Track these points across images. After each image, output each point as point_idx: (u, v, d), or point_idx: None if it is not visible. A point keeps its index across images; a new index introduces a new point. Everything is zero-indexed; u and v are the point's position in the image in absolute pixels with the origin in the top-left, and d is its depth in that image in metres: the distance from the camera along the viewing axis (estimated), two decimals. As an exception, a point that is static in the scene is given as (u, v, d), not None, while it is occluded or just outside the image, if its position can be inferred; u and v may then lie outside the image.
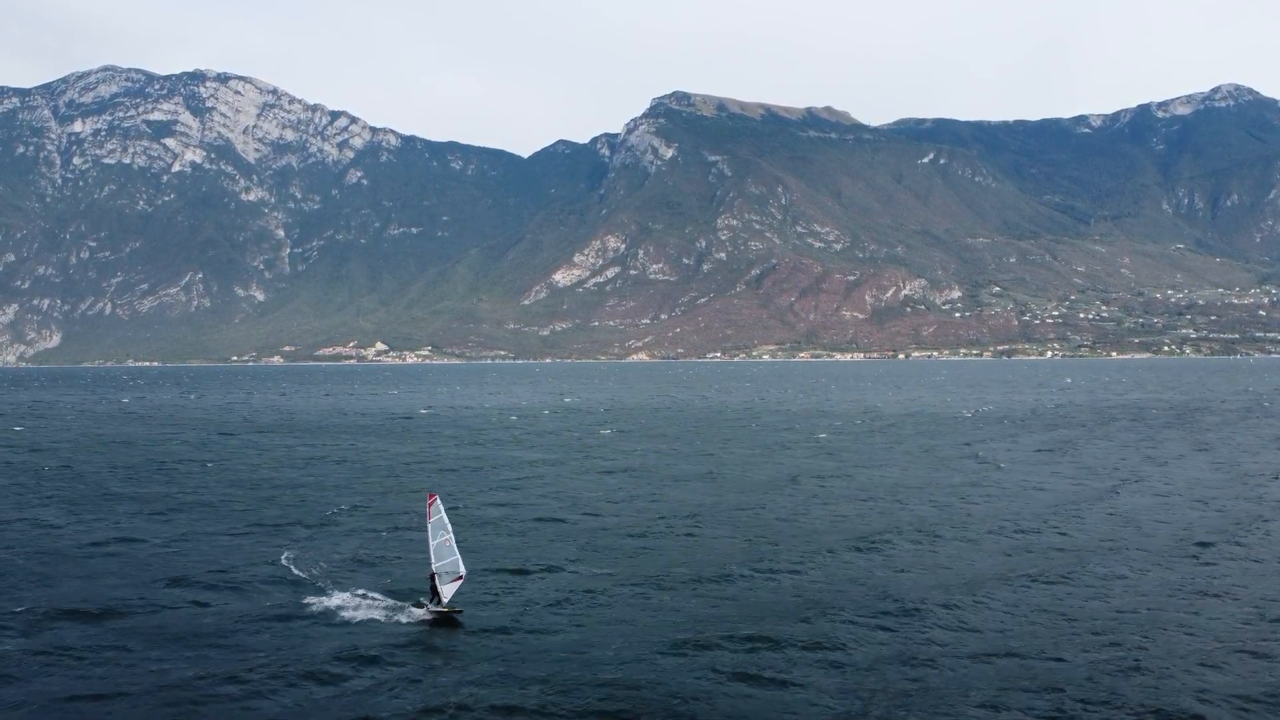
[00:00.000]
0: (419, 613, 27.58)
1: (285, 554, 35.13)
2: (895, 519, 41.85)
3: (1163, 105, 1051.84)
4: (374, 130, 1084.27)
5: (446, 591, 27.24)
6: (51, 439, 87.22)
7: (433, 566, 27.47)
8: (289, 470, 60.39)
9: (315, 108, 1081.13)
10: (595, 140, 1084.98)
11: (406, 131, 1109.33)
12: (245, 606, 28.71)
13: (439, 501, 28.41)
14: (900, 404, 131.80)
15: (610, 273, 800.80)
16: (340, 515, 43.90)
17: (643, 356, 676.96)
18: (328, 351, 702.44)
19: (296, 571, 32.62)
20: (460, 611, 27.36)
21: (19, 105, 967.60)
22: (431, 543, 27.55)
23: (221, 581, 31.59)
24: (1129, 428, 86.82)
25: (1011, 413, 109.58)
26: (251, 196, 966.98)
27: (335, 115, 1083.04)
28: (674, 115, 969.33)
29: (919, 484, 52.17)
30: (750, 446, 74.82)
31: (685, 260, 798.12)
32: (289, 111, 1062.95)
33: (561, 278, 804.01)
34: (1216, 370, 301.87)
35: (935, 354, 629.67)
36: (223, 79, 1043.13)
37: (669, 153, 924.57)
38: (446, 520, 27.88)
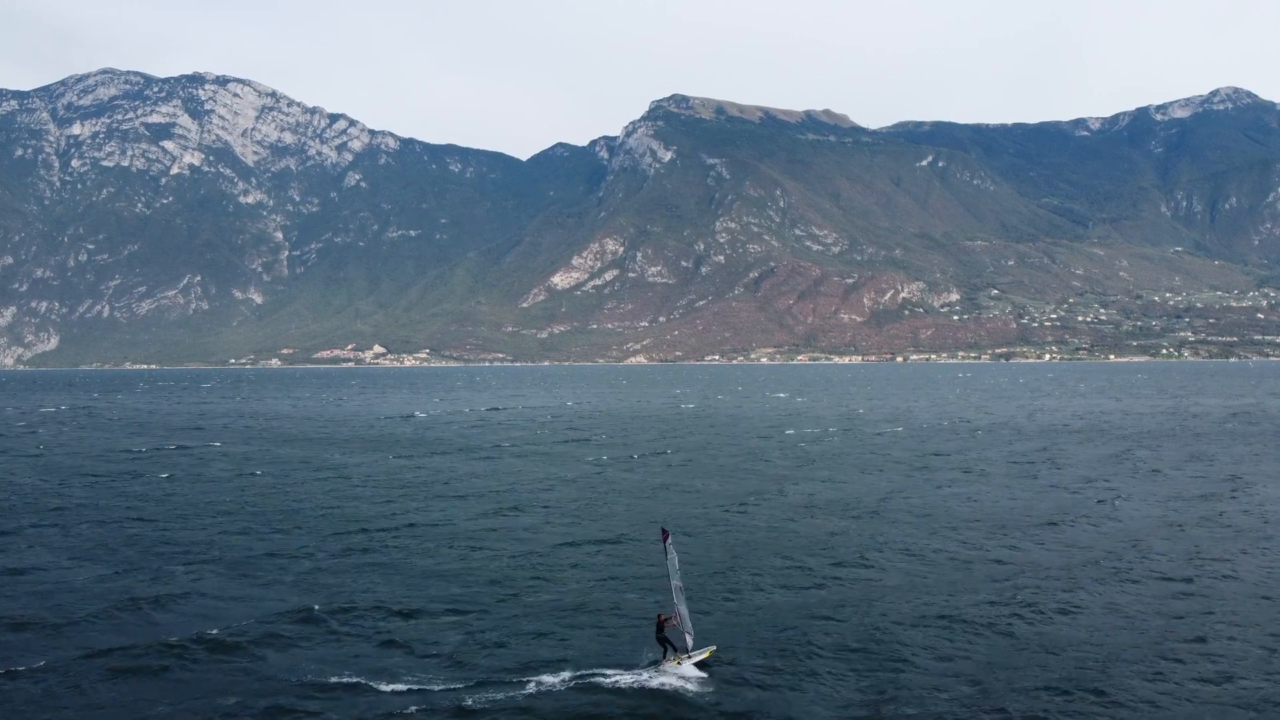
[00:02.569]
0: (668, 672, 23.19)
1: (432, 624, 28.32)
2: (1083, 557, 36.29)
3: (1161, 108, 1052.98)
4: (373, 133, 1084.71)
5: (690, 639, 23.96)
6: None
7: (679, 607, 24.01)
8: (367, 503, 50.37)
9: (314, 110, 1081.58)
10: (594, 143, 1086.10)
11: (405, 134, 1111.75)
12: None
13: (670, 541, 24.86)
14: (936, 412, 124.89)
15: (609, 275, 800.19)
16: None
17: (641, 359, 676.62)
18: (326, 354, 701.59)
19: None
20: (713, 649, 24.16)
21: (17, 108, 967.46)
22: (673, 583, 24.29)
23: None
24: (1192, 440, 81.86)
25: (1059, 421, 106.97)
26: (250, 199, 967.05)
27: (334, 118, 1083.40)
28: (673, 118, 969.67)
29: (1061, 514, 45.10)
30: (798, 459, 70.83)
31: (684, 263, 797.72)
32: (288, 114, 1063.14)
33: (560, 280, 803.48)
34: (1225, 374, 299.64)
35: (933, 357, 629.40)
36: (221, 82, 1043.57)
37: (667, 155, 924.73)
38: (676, 562, 24.51)
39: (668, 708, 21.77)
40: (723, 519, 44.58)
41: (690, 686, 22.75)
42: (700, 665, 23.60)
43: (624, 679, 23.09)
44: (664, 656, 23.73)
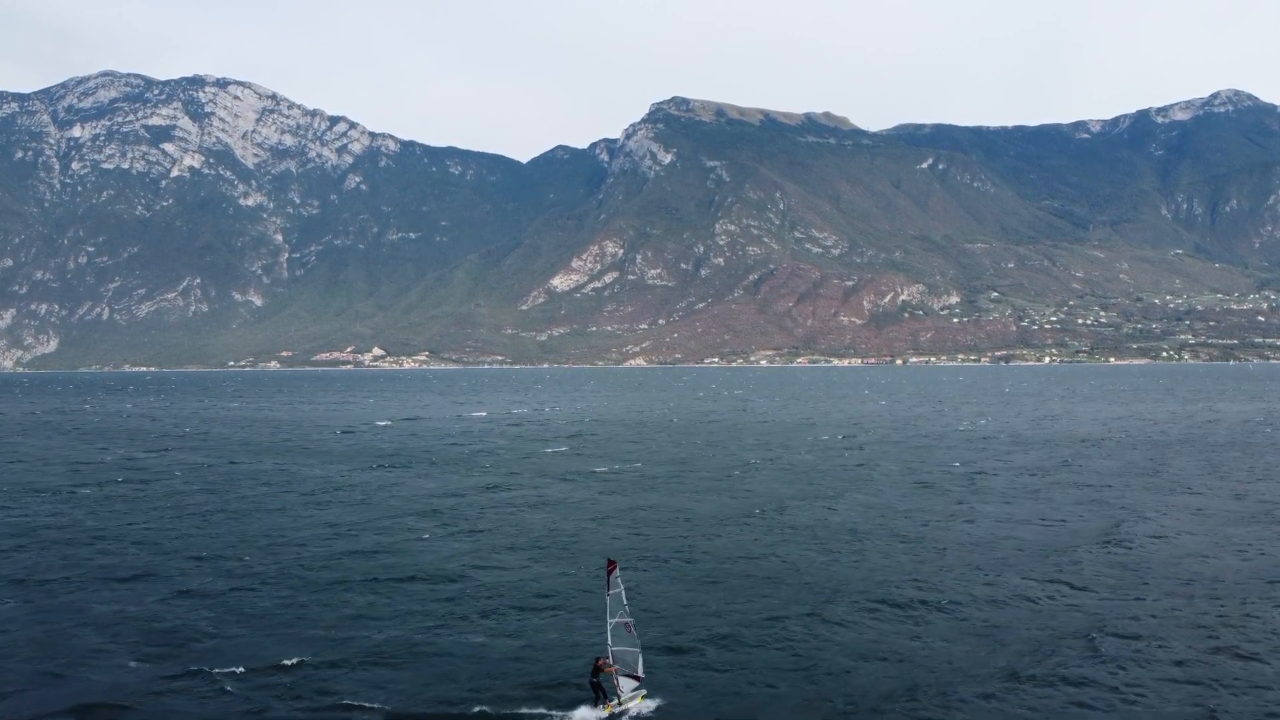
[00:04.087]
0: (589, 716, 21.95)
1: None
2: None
3: (1162, 111, 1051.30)
4: (373, 135, 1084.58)
5: (625, 685, 22.64)
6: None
7: (609, 650, 22.80)
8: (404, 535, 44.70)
9: (314, 113, 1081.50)
10: (594, 145, 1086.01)
11: (405, 136, 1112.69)
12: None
13: (618, 572, 23.26)
14: (939, 419, 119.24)
15: (608, 278, 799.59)
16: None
17: (640, 362, 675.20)
18: (325, 357, 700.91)
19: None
20: (643, 694, 22.91)
21: (18, 110, 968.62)
22: (609, 621, 22.82)
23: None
24: (1209, 451, 77.39)
25: (1067, 429, 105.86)
26: (250, 202, 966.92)
27: (334, 120, 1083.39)
28: (673, 121, 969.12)
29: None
30: (781, 475, 67.36)
31: (683, 265, 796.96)
32: (288, 116, 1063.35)
33: (559, 283, 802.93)
34: (1227, 377, 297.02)
35: (932, 359, 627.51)
36: (222, 84, 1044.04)
37: (668, 158, 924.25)
38: (624, 597, 23.09)
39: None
40: (683, 546, 40.72)
41: None
42: (631, 712, 22.36)
43: None
44: (595, 702, 22.28)
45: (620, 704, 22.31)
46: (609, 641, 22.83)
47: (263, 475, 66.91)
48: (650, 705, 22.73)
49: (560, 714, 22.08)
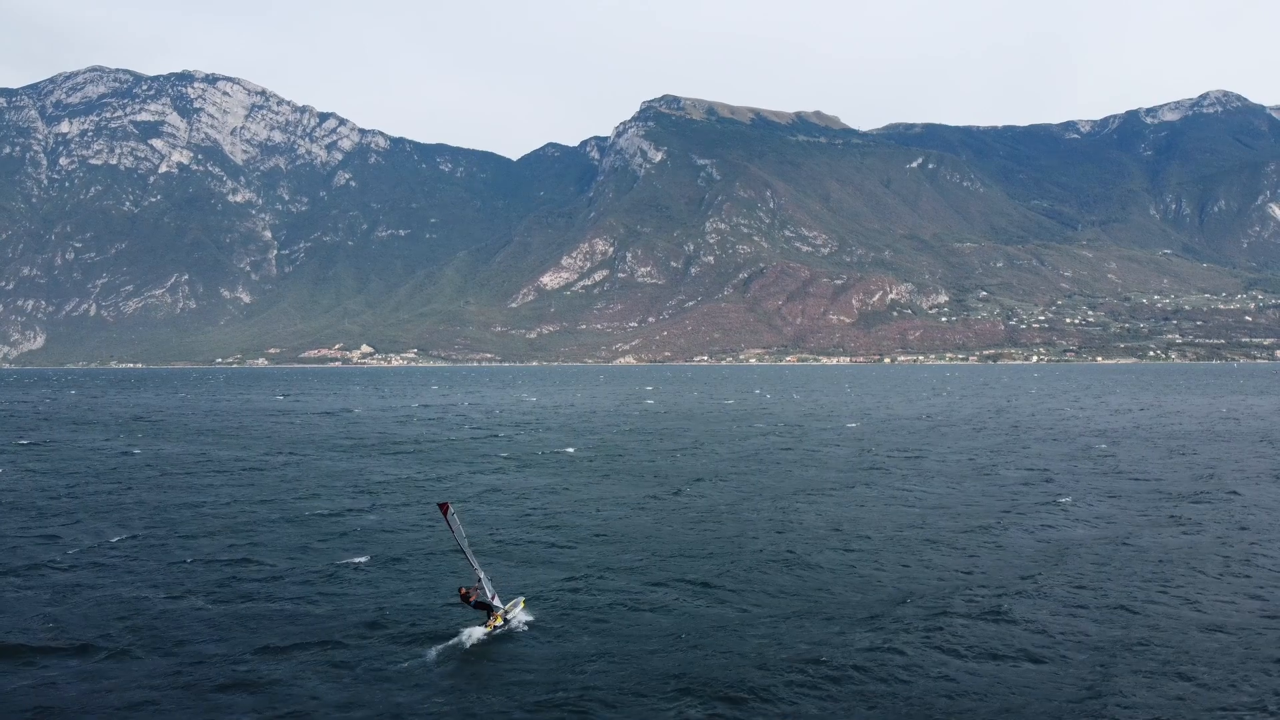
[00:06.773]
0: (498, 630, 23.55)
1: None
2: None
3: (1151, 112, 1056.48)
4: (363, 132, 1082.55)
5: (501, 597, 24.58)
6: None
7: (477, 571, 24.07)
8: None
9: (304, 109, 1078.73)
10: (585, 143, 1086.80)
11: (395, 133, 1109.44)
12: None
13: (452, 510, 24.13)
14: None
15: (598, 276, 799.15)
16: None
17: (630, 360, 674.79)
18: (313, 354, 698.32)
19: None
20: (523, 599, 25.33)
21: (5, 106, 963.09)
22: (466, 550, 24.14)
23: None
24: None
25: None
26: (239, 198, 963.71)
27: (324, 117, 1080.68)
28: (663, 119, 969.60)
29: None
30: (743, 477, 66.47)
31: (673, 264, 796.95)
32: (277, 113, 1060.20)
33: (549, 281, 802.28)
34: (1216, 376, 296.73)
35: (921, 358, 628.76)
36: (211, 80, 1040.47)
37: (658, 156, 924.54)
38: (462, 529, 24.30)
39: (509, 658, 22.00)
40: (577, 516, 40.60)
41: (524, 635, 23.53)
42: (519, 615, 24.51)
43: (459, 648, 22.62)
44: (488, 620, 23.66)
45: (505, 611, 24.07)
46: (474, 567, 24.16)
47: (180, 458, 64.05)
48: (528, 614, 24.81)
49: (453, 640, 23.02)
